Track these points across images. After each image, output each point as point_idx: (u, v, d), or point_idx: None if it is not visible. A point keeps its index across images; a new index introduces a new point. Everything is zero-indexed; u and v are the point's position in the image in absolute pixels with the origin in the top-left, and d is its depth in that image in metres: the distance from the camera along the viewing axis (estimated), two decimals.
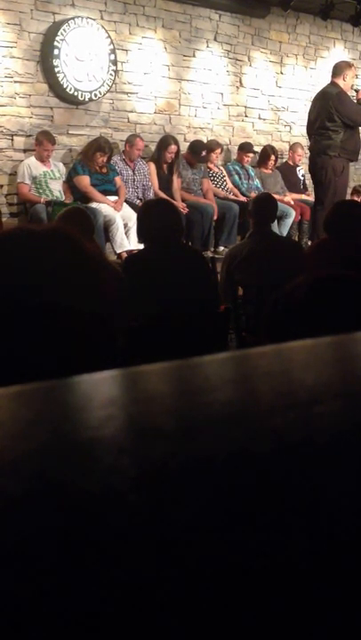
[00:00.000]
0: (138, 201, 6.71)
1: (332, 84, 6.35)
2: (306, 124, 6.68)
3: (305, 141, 7.04)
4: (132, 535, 0.33)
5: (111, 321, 1.07)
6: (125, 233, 6.33)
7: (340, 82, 6.30)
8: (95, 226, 4.91)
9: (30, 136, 6.43)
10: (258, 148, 8.14)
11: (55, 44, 6.42)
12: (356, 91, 6.60)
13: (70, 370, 0.61)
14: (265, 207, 3.96)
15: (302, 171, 8.38)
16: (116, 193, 6.57)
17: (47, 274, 1.00)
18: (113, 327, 1.07)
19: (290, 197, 7.96)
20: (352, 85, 6.51)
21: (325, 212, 4.27)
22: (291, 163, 8.53)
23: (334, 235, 3.46)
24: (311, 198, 7.28)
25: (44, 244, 1.03)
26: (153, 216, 3.30)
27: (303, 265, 3.32)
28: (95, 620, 0.27)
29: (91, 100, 6.79)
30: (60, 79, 6.49)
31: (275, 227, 5.84)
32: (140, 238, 3.47)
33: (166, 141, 6.99)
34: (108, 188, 6.51)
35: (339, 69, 6.35)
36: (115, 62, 6.90)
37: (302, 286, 1.50)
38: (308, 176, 7.41)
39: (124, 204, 6.55)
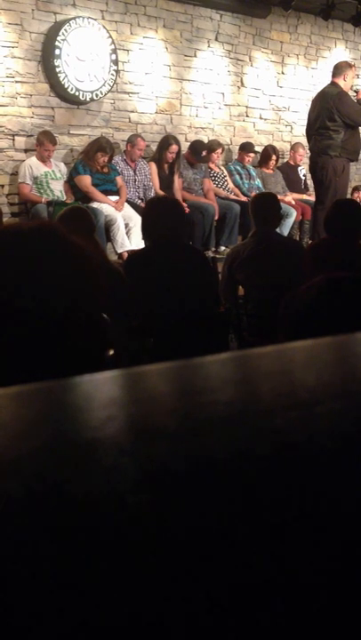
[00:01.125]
0: (139, 201, 6.71)
1: (333, 84, 6.35)
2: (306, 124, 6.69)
3: (306, 141, 7.03)
4: (132, 535, 0.33)
5: (101, 317, 1.06)
6: (126, 233, 6.33)
7: (340, 82, 6.30)
8: (96, 226, 4.91)
9: (31, 136, 6.44)
10: (259, 148, 8.14)
11: (56, 44, 6.42)
12: (356, 91, 6.60)
13: (55, 372, 0.60)
14: (264, 207, 3.94)
15: (303, 170, 8.38)
16: (117, 193, 6.57)
17: (31, 271, 0.99)
18: (103, 324, 1.06)
19: (291, 197, 7.97)
20: (352, 86, 6.51)
21: (326, 211, 4.26)
22: (292, 162, 8.53)
23: (334, 234, 3.46)
24: (312, 198, 7.27)
25: (28, 242, 1.02)
26: (156, 214, 3.30)
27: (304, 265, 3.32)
28: (95, 621, 0.27)
29: (92, 99, 6.79)
30: (61, 79, 6.49)
31: None
32: (144, 236, 3.46)
33: (167, 141, 6.99)
34: (110, 188, 6.52)
35: (339, 69, 6.35)
36: (116, 62, 6.90)
37: (315, 287, 1.50)
38: (309, 176, 7.41)
39: (126, 203, 6.55)
